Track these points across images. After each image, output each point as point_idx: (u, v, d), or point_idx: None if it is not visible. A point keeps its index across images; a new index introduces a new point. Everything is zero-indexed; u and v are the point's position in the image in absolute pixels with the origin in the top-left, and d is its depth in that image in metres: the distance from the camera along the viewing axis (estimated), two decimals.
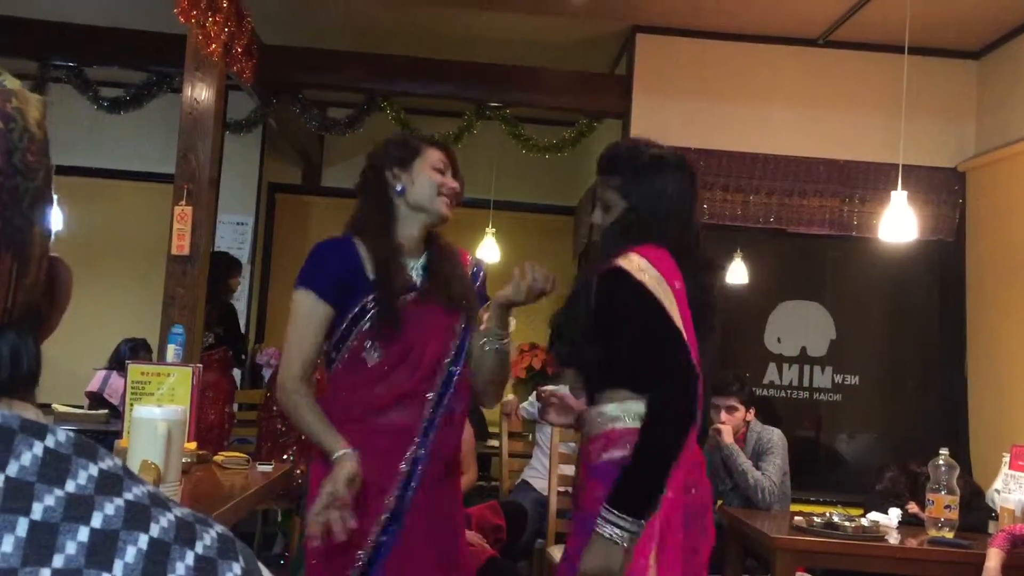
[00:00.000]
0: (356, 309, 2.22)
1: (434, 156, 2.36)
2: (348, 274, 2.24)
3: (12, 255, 0.65)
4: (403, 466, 2.18)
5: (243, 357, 5.79)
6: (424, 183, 2.32)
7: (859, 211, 5.42)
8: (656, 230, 2.19)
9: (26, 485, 0.58)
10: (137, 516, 0.60)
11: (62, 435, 0.61)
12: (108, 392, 5.63)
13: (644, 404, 2.09)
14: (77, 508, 0.58)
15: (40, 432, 0.60)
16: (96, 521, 0.58)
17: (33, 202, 0.67)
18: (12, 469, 0.58)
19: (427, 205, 2.33)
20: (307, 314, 2.24)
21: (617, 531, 1.98)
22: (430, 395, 2.23)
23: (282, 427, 5.52)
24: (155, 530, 0.60)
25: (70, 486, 0.59)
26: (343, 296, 2.23)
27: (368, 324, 2.21)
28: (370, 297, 2.22)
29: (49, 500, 0.58)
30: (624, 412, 2.14)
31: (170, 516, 0.62)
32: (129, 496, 0.61)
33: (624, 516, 1.98)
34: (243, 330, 6.07)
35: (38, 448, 0.60)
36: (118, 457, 0.65)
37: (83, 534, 0.58)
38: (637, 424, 2.09)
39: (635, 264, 2.09)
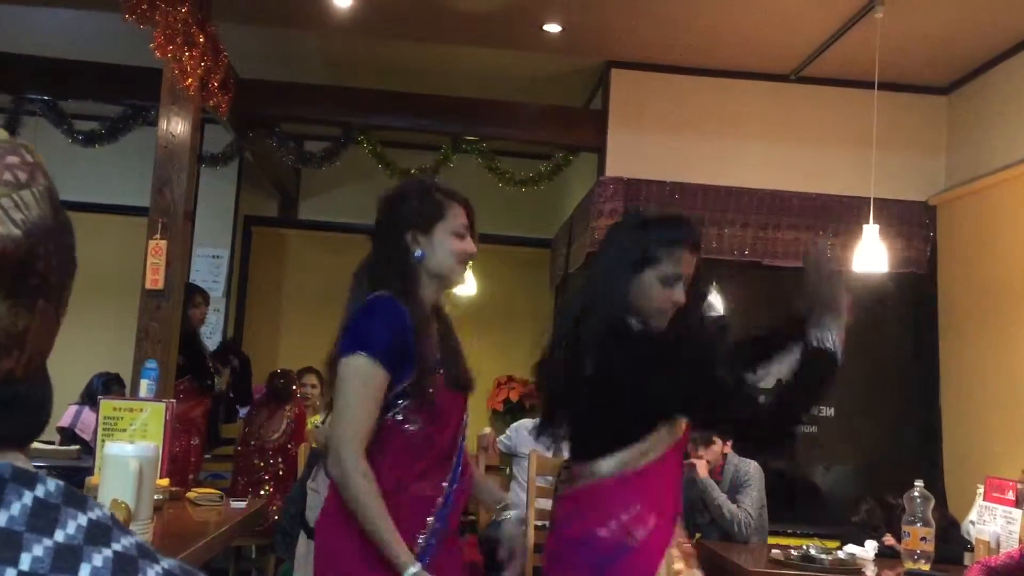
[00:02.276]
0: (407, 379, 2.07)
1: (457, 221, 2.20)
2: (402, 338, 2.08)
3: (56, 308, 0.67)
4: (421, 538, 2.08)
5: (210, 383, 5.68)
6: (446, 253, 2.18)
7: (832, 244, 5.47)
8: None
9: (15, 535, 0.57)
10: (125, 568, 0.60)
11: (52, 484, 0.61)
12: (80, 427, 5.56)
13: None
14: (66, 559, 0.58)
15: (30, 481, 0.60)
16: (84, 573, 0.58)
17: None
18: (1, 519, 0.58)
19: (447, 274, 2.20)
20: (365, 380, 2.04)
21: None
22: (452, 461, 2.17)
23: (259, 462, 5.47)
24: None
25: (59, 536, 0.59)
26: (399, 360, 2.07)
27: (413, 394, 2.09)
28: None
29: (38, 551, 0.57)
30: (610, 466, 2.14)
31: (157, 568, 0.61)
32: (118, 547, 0.60)
33: None
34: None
35: (27, 498, 0.59)
36: (89, 493, 0.65)
37: None
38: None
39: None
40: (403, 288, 2.13)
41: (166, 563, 0.62)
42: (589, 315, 2.16)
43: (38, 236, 0.63)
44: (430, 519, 2.10)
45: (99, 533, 0.60)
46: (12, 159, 0.65)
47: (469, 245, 2.21)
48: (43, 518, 0.59)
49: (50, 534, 0.58)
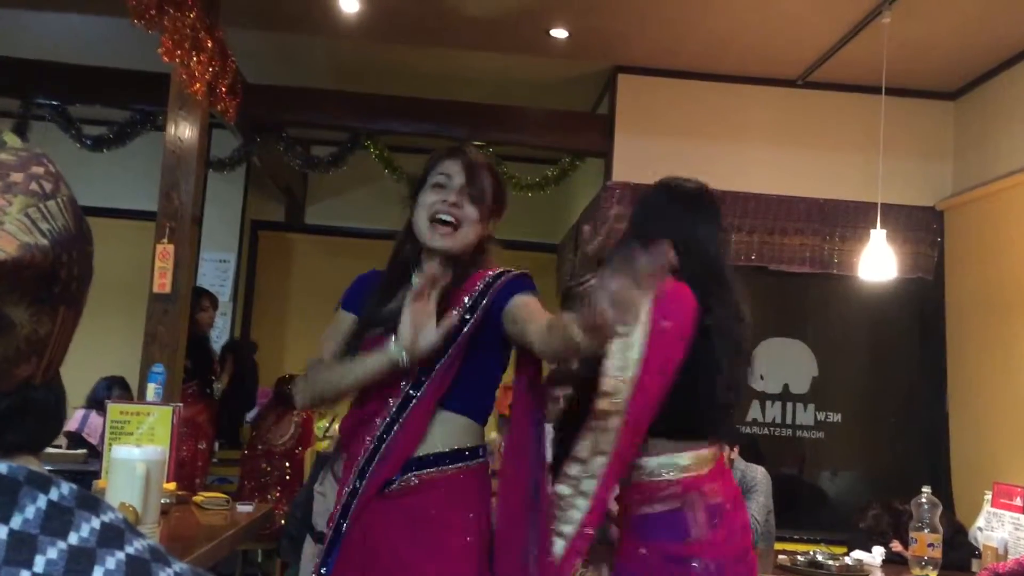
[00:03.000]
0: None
1: (437, 174, 2.08)
2: (357, 289, 2.22)
3: (75, 315, 0.68)
4: (346, 488, 2.06)
5: (208, 391, 5.68)
6: (420, 213, 2.07)
7: (839, 249, 5.46)
8: None
9: (29, 538, 0.58)
10: (138, 571, 0.60)
11: (66, 488, 0.62)
12: (87, 431, 5.57)
13: (687, 456, 2.12)
14: (79, 561, 0.58)
15: (45, 485, 0.61)
16: (97, 575, 0.58)
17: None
18: (16, 522, 0.58)
19: (419, 234, 2.08)
20: (333, 322, 2.20)
21: None
22: (378, 421, 2.03)
23: (266, 466, 5.48)
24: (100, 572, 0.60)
25: (73, 539, 0.59)
26: (353, 309, 2.18)
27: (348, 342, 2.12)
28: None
29: (52, 553, 0.58)
30: (662, 466, 2.14)
31: (170, 571, 0.62)
32: (131, 550, 0.61)
33: None
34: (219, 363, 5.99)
35: (42, 501, 0.60)
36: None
37: None
38: (680, 476, 2.11)
39: None
40: (396, 253, 2.18)
41: (178, 566, 0.63)
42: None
43: (63, 246, 0.64)
44: (352, 475, 2.03)
45: (112, 536, 0.61)
46: (37, 169, 0.65)
47: (439, 195, 2.04)
48: (57, 521, 0.60)
49: (64, 537, 0.59)
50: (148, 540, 0.63)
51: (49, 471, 0.63)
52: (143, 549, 0.62)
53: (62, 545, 0.59)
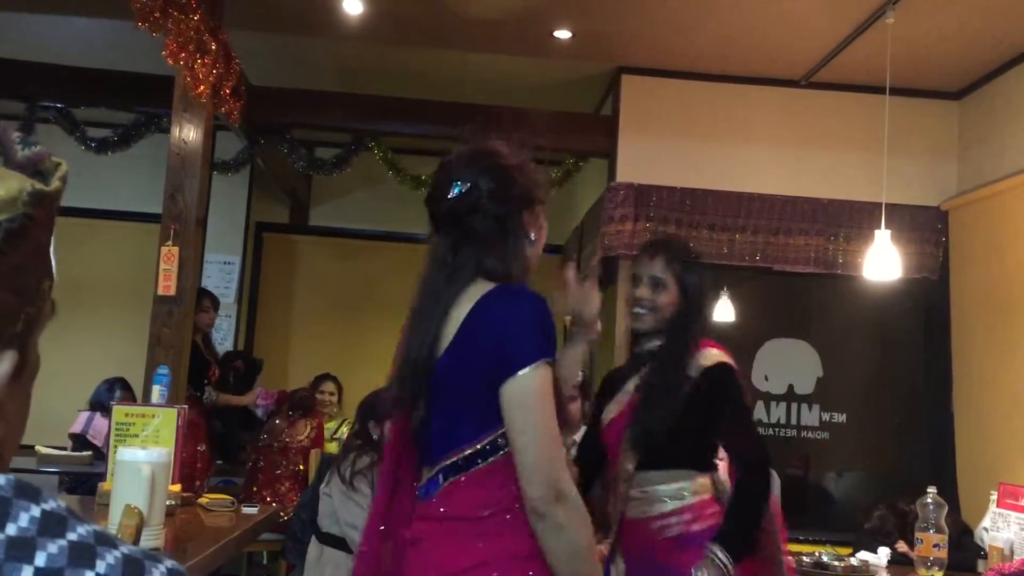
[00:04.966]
0: None
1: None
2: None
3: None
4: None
5: (199, 393, 5.61)
6: (541, 236, 1.90)
7: (844, 249, 5.46)
8: (707, 324, 2.69)
9: None
10: (83, 554, 0.60)
11: (2, 479, 0.61)
12: (91, 433, 5.58)
13: (707, 479, 2.54)
14: (20, 549, 0.58)
15: None
16: (40, 560, 0.58)
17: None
18: None
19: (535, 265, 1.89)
20: (550, 392, 1.67)
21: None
22: None
23: (283, 460, 5.48)
24: (101, 567, 0.60)
25: (11, 529, 0.59)
26: None
27: None
28: None
29: None
30: (678, 492, 2.51)
31: (116, 553, 0.62)
32: (73, 536, 0.61)
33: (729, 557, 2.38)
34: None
35: None
36: (102, 499, 0.65)
37: (27, 573, 0.58)
38: (706, 496, 2.52)
39: (727, 358, 2.57)
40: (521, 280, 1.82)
41: (126, 549, 0.63)
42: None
43: None
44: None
45: (53, 523, 0.61)
46: None
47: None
48: None
49: (1, 528, 0.59)
50: (94, 526, 0.63)
51: (53, 473, 0.64)
52: (87, 534, 0.62)
53: None
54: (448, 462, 1.72)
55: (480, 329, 1.70)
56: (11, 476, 0.62)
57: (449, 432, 1.74)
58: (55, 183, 0.67)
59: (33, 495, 0.62)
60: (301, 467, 5.50)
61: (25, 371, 0.69)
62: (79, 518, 0.63)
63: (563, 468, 1.62)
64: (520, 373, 1.63)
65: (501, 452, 1.69)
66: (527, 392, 1.63)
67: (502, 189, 1.80)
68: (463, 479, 1.71)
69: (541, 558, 1.65)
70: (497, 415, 1.66)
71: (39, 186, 0.66)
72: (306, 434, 5.58)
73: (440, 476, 1.74)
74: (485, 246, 1.77)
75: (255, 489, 5.29)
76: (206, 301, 5.50)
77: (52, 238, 0.70)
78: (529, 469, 1.61)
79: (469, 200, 1.78)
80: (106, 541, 0.62)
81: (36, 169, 0.67)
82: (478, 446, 1.70)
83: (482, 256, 1.77)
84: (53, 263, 0.70)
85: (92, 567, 0.60)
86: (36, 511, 0.61)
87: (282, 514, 4.87)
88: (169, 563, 0.64)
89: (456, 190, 1.79)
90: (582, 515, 1.64)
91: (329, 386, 6.34)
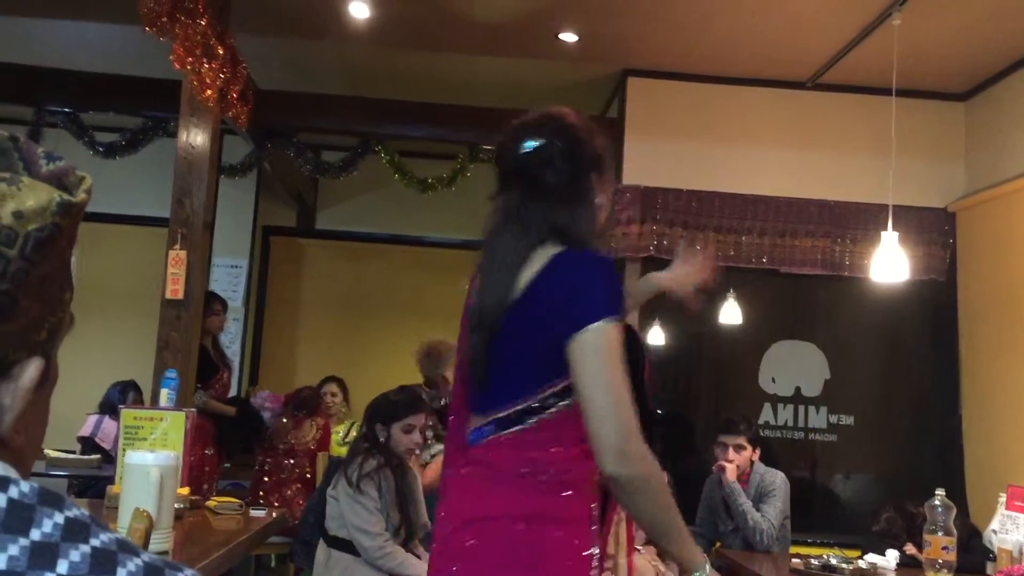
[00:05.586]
0: None
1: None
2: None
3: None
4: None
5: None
6: (606, 203, 1.90)
7: (851, 251, 5.45)
8: None
9: None
10: (104, 561, 0.61)
11: (26, 486, 0.62)
12: (100, 437, 5.60)
13: None
14: (42, 556, 0.59)
15: (2, 485, 0.61)
16: (62, 568, 0.59)
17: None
18: None
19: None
20: (620, 351, 1.66)
21: None
22: None
23: (289, 462, 5.48)
24: (122, 574, 0.61)
25: (35, 535, 0.60)
26: None
27: None
28: None
29: (13, 550, 0.58)
30: None
31: (138, 561, 0.62)
32: (96, 543, 0.61)
33: None
34: (229, 368, 5.93)
35: (1, 500, 0.60)
36: (110, 502, 0.66)
37: None
38: None
39: None
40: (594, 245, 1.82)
41: (147, 556, 0.63)
42: None
43: None
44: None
45: (77, 530, 0.61)
46: None
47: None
48: (18, 518, 0.60)
49: (26, 533, 0.59)
50: (115, 534, 0.64)
51: (62, 477, 0.65)
52: (109, 541, 0.62)
53: (24, 542, 0.59)
54: (502, 414, 1.74)
55: (549, 287, 1.70)
56: (35, 484, 0.63)
57: (506, 385, 1.75)
58: (81, 195, 0.69)
59: (57, 502, 0.62)
60: (308, 473, 5.50)
61: (47, 380, 0.70)
62: (101, 525, 0.63)
63: (632, 425, 1.60)
64: (589, 327, 1.63)
65: (554, 409, 1.71)
66: (596, 346, 1.63)
67: (574, 148, 1.81)
68: (513, 433, 1.73)
69: (564, 523, 1.68)
70: (555, 373, 1.68)
71: (67, 197, 0.67)
72: (312, 435, 5.59)
73: (493, 425, 1.75)
74: (556, 201, 1.78)
75: (261, 494, 5.29)
76: (217, 305, 5.50)
77: (74, 250, 0.71)
78: (597, 425, 1.60)
79: (542, 156, 1.79)
80: (128, 549, 0.63)
81: (61, 183, 0.68)
82: (533, 403, 1.71)
83: (553, 211, 1.77)
84: (73, 274, 0.72)
85: (113, 574, 0.60)
86: (60, 518, 0.61)
87: (289, 519, 4.87)
88: (189, 571, 0.65)
89: (529, 145, 1.81)
90: (654, 475, 1.63)
91: (332, 387, 6.35)
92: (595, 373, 1.62)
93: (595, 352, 1.63)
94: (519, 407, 1.72)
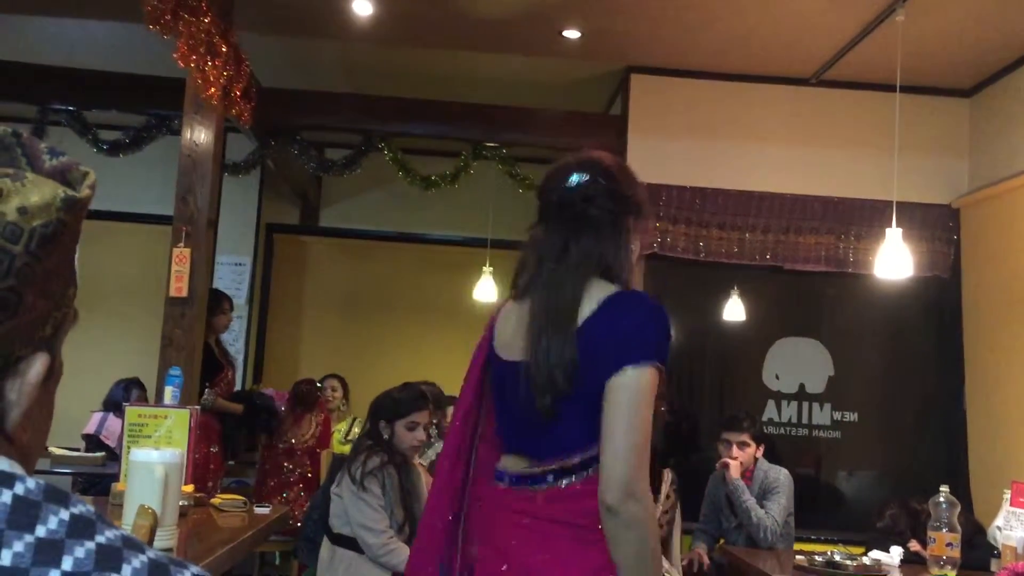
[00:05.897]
0: None
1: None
2: None
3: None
4: None
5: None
6: (638, 249, 1.92)
7: (855, 248, 5.44)
8: None
9: None
10: (109, 558, 0.61)
11: (32, 483, 0.62)
12: (104, 434, 5.61)
13: None
14: (48, 552, 0.59)
15: (8, 481, 0.61)
16: (67, 564, 0.59)
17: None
18: None
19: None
20: (652, 396, 1.69)
21: None
22: None
23: (288, 463, 5.49)
24: (127, 571, 0.61)
25: (40, 531, 0.60)
26: None
27: None
28: None
29: (19, 546, 0.58)
30: None
31: (143, 558, 0.62)
32: (101, 539, 0.61)
33: None
34: (233, 367, 5.92)
35: (7, 496, 0.60)
36: (115, 499, 0.66)
37: None
38: None
39: None
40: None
41: (152, 553, 0.63)
42: None
43: None
44: None
45: (82, 526, 0.61)
46: None
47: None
48: (23, 514, 0.60)
49: (31, 530, 0.59)
50: (121, 531, 0.64)
51: (67, 474, 0.65)
52: (115, 538, 0.62)
53: (29, 538, 0.59)
54: (557, 465, 1.75)
55: (602, 334, 1.72)
56: (40, 480, 0.63)
57: (563, 434, 1.75)
58: (85, 190, 0.69)
59: (62, 499, 0.62)
60: (309, 472, 5.50)
61: (52, 376, 0.70)
62: (107, 522, 0.63)
63: (643, 468, 1.65)
64: (627, 368, 1.66)
65: None
66: (630, 388, 1.65)
67: (617, 188, 1.85)
68: (570, 484, 1.75)
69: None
70: None
71: (71, 193, 0.67)
72: (311, 432, 5.59)
73: (550, 476, 1.76)
74: (600, 237, 1.81)
75: (264, 495, 5.29)
76: (225, 303, 5.51)
77: (77, 246, 0.71)
78: (611, 459, 1.64)
79: (588, 191, 1.82)
80: (133, 546, 0.63)
81: (64, 179, 0.68)
82: (591, 453, 1.72)
83: (599, 246, 1.80)
84: (76, 270, 0.72)
85: (118, 571, 0.60)
86: (65, 515, 0.61)
87: (291, 520, 4.87)
88: (194, 568, 0.65)
89: (576, 179, 1.84)
90: (651, 516, 1.67)
91: (333, 383, 6.36)
92: (624, 412, 1.65)
93: (628, 391, 1.65)
94: (575, 460, 1.74)
